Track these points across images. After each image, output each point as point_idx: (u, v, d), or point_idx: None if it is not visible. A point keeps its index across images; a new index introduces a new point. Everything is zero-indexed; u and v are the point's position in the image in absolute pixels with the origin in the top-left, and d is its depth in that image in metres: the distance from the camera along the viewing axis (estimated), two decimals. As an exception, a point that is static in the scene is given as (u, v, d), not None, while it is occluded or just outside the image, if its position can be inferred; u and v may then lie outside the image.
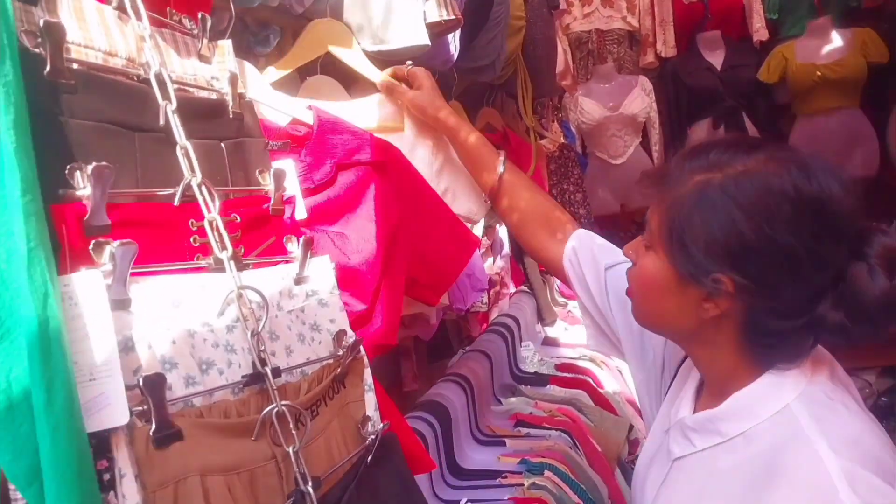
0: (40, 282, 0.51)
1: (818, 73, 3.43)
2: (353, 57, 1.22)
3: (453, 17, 1.47)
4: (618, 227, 3.76)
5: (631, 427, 2.00)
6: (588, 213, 3.36)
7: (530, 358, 2.02)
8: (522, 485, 1.37)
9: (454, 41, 1.67)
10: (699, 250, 0.78)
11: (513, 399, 1.76)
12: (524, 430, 1.62)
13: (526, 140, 2.51)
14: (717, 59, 3.68)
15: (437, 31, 1.41)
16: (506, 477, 1.40)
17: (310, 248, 0.88)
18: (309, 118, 1.08)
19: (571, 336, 2.39)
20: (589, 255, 1.12)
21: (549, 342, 2.29)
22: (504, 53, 1.98)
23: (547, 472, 1.42)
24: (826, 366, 0.82)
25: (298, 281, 0.86)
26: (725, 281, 0.76)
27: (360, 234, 1.09)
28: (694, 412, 0.88)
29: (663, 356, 1.03)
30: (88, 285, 0.56)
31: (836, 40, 3.48)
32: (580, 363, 2.10)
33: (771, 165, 0.75)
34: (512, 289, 2.26)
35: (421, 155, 1.28)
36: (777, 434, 0.77)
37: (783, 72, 3.56)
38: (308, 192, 1.04)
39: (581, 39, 3.74)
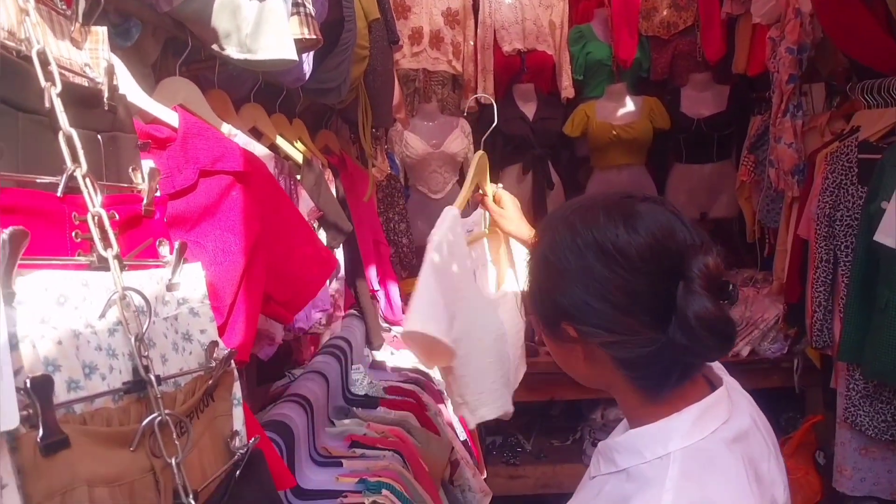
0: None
1: (613, 132, 3.88)
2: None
3: (314, 36, 1.48)
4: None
5: (452, 448, 2.09)
6: (410, 242, 3.47)
7: (361, 381, 2.02)
8: (363, 503, 1.38)
9: (308, 61, 1.67)
10: (543, 308, 0.86)
11: (346, 420, 1.76)
12: (359, 451, 1.62)
13: (359, 166, 2.55)
14: (529, 109, 4.01)
15: (296, 48, 1.41)
16: (346, 496, 1.39)
17: (184, 253, 0.84)
18: (174, 119, 1.03)
19: (397, 360, 2.44)
20: None
21: (376, 366, 2.31)
22: (350, 79, 2.02)
23: (385, 492, 1.44)
24: (734, 429, 0.81)
25: (170, 287, 0.82)
26: (568, 329, 0.82)
27: (218, 244, 1.05)
28: None
29: None
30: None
31: (629, 105, 3.97)
32: (406, 386, 2.15)
33: (575, 222, 0.81)
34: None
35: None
36: (649, 477, 0.77)
37: (585, 128, 3.98)
38: (167, 197, 0.99)
39: (409, 77, 3.87)
